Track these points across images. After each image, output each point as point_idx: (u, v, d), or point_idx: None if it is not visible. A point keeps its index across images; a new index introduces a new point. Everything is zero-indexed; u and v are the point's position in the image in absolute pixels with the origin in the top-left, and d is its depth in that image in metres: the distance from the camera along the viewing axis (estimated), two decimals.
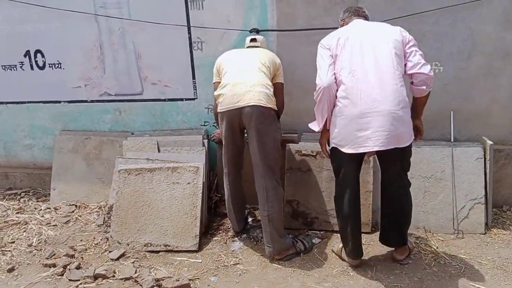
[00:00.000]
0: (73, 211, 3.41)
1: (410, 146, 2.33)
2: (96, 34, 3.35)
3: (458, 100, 3.17)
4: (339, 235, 2.59)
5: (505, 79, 3.11)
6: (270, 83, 2.63)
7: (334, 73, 2.29)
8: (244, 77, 2.59)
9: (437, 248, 2.77)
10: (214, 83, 2.79)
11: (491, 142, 3.00)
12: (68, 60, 3.46)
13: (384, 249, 2.69)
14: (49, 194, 3.66)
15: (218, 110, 2.65)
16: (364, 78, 2.21)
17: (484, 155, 3.04)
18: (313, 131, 3.33)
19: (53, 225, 3.20)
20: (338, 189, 2.44)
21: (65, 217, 3.31)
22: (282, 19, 3.16)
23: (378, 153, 2.33)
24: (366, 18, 2.48)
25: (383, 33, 2.30)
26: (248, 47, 2.89)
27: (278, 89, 2.76)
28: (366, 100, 2.19)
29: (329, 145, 2.47)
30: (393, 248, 2.63)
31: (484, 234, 2.95)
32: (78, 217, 3.32)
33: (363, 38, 2.28)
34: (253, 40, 2.89)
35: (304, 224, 3.04)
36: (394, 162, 2.38)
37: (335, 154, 2.38)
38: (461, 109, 3.19)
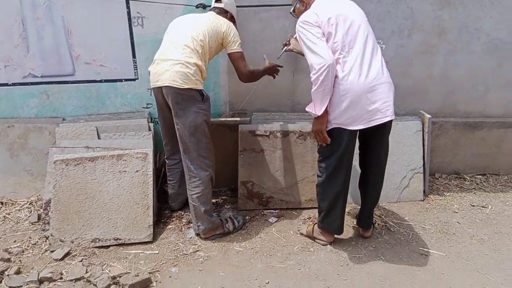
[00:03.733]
0: None
1: None
2: (17, 8, 2.88)
3: (398, 76, 3.31)
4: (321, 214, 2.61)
5: (440, 56, 3.32)
6: (195, 61, 2.47)
7: None
8: (167, 53, 2.52)
9: (384, 217, 2.93)
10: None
11: (429, 116, 3.21)
12: None
13: None
14: None
15: None
16: (362, 54, 2.23)
17: (423, 127, 3.25)
18: (263, 111, 3.36)
19: None
20: (332, 170, 2.38)
21: None
22: None
23: (366, 129, 2.29)
24: None
25: (358, 10, 2.37)
26: (212, 8, 2.76)
27: (232, 59, 2.68)
28: (371, 75, 2.22)
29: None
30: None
31: (422, 201, 3.19)
32: (7, 215, 2.94)
33: (348, 16, 2.26)
34: (218, 0, 2.74)
35: (259, 204, 3.02)
36: (382, 137, 2.42)
37: (336, 135, 2.31)
38: (401, 84, 3.34)
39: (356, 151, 2.49)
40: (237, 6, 2.88)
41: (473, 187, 3.41)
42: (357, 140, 2.45)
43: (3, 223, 2.87)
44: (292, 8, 2.55)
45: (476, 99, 3.47)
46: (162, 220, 2.88)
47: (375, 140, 2.43)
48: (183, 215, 2.93)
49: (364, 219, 2.63)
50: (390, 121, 2.34)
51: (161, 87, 2.50)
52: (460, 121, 3.47)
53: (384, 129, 2.37)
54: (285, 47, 2.92)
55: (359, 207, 2.68)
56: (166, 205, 3.02)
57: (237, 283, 2.26)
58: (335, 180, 2.41)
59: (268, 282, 2.26)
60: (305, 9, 2.42)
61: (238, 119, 3.21)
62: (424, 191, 3.24)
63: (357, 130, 2.30)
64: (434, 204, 3.15)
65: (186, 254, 2.50)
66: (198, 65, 2.49)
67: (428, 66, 3.33)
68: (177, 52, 2.48)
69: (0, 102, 3.13)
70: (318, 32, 2.22)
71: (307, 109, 2.37)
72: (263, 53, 3.01)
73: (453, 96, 3.45)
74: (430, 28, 3.23)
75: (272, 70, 2.88)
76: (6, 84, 3.09)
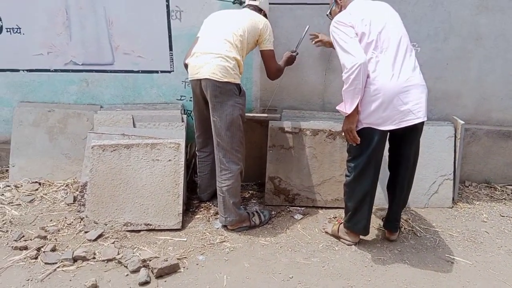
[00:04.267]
0: (37, 189, 3.16)
1: None
2: None
3: (432, 80, 3.29)
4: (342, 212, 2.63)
5: (475, 61, 3.26)
6: (234, 55, 2.53)
7: None
8: (207, 47, 2.56)
9: (412, 221, 2.92)
10: (197, 37, 2.75)
11: (462, 122, 3.16)
12: (29, 25, 3.11)
13: None
14: (7, 171, 3.36)
15: None
16: (395, 55, 2.25)
17: (455, 133, 3.20)
18: (293, 108, 3.39)
19: (17, 205, 2.95)
20: (361, 169, 2.39)
21: (28, 195, 3.06)
22: None
23: (397, 131, 2.30)
24: None
25: (392, 12, 2.39)
26: (246, 5, 2.81)
27: (265, 57, 2.74)
28: (403, 76, 2.23)
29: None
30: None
31: (451, 208, 3.15)
32: (44, 196, 3.08)
33: (382, 17, 2.30)
34: None
35: (285, 201, 3.06)
36: (413, 139, 2.42)
37: (366, 135, 2.33)
38: (434, 88, 3.32)
39: (386, 153, 2.50)
40: (272, 3, 2.92)
41: (503, 197, 3.34)
42: (387, 142, 2.46)
43: (40, 202, 3.01)
44: (329, 10, 2.59)
45: (510, 107, 3.40)
46: (191, 210, 2.96)
47: (405, 142, 2.42)
48: (211, 206, 3.00)
49: (391, 222, 2.63)
50: (422, 123, 2.34)
51: (200, 80, 2.56)
52: (493, 129, 3.40)
53: (415, 131, 2.37)
54: (303, 36, 2.98)
55: (387, 209, 2.68)
56: (195, 195, 3.10)
57: (261, 276, 2.30)
58: (363, 180, 2.42)
59: (292, 277, 2.30)
60: (340, 11, 2.46)
61: (268, 115, 3.24)
62: (453, 198, 3.20)
63: (387, 130, 2.30)
64: (462, 212, 3.11)
65: (213, 244, 2.57)
66: (237, 60, 2.55)
67: (462, 72, 3.28)
68: (218, 46, 2.53)
69: (41, 87, 3.28)
70: (351, 32, 2.25)
71: (337, 108, 2.40)
72: (290, 50, 3.04)
73: (487, 104, 3.39)
74: (466, 33, 3.18)
75: (290, 60, 2.96)
76: (48, 70, 3.24)
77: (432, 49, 3.23)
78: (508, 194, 3.38)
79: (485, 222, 2.97)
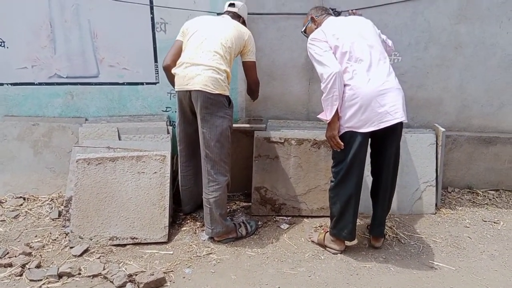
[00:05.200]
0: (21, 204, 3.13)
1: None
2: (46, 10, 3.01)
3: (413, 88, 3.36)
4: (332, 220, 2.68)
5: (456, 69, 3.34)
6: (224, 67, 2.58)
7: None
8: (197, 58, 2.57)
9: (396, 228, 2.96)
10: (176, 39, 2.76)
11: (443, 129, 3.23)
12: (13, 38, 3.08)
13: None
14: None
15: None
16: (369, 62, 2.40)
17: (436, 141, 3.27)
18: (278, 118, 3.43)
19: (1, 221, 2.91)
20: (344, 173, 2.47)
21: (13, 211, 3.03)
22: (250, 2, 3.08)
23: (377, 133, 2.41)
24: (335, 16, 2.75)
25: (363, 24, 2.56)
26: (225, 12, 2.84)
27: (247, 68, 2.79)
28: (379, 80, 2.37)
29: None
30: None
31: (434, 214, 3.20)
32: (28, 211, 3.06)
33: (354, 30, 2.48)
34: (231, 5, 2.83)
35: (272, 211, 3.08)
36: (392, 141, 2.50)
37: (348, 138, 2.43)
38: (416, 97, 3.39)
39: (368, 160, 2.57)
40: (256, 14, 2.97)
41: (485, 202, 3.41)
42: (369, 147, 2.54)
43: (25, 218, 2.98)
44: (304, 27, 2.76)
45: (490, 114, 3.48)
46: (177, 222, 2.96)
47: (386, 143, 2.50)
48: (197, 217, 3.01)
49: (377, 227, 2.66)
50: (401, 124, 2.46)
51: (189, 91, 2.57)
52: (474, 136, 3.48)
53: (394, 131, 2.46)
54: None
55: (371, 216, 2.71)
56: (181, 207, 3.10)
57: (248, 287, 2.32)
58: (347, 183, 2.48)
59: (279, 287, 2.31)
60: (317, 27, 2.62)
61: (254, 125, 3.27)
62: (436, 205, 3.26)
63: (368, 132, 2.40)
64: (445, 217, 3.17)
65: (199, 256, 2.57)
66: (227, 72, 2.59)
67: (443, 80, 3.36)
68: (208, 58, 2.55)
69: (26, 101, 3.26)
70: (325, 46, 2.43)
71: (319, 116, 2.53)
72: (275, 60, 3.10)
73: (468, 111, 3.47)
74: (446, 42, 3.26)
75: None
76: (33, 84, 3.21)
77: (413, 58, 3.30)
78: (490, 199, 3.45)
79: (468, 227, 3.03)
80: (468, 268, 2.54)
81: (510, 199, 3.47)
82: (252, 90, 2.93)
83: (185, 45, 2.68)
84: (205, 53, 2.56)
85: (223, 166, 2.65)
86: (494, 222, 3.09)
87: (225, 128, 2.61)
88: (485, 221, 3.12)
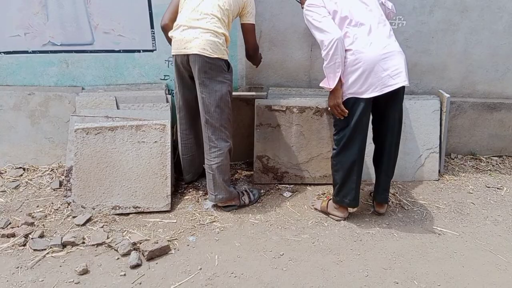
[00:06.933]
0: (21, 175, 3.09)
1: None
2: None
3: (417, 54, 3.27)
4: (331, 187, 2.65)
5: (461, 34, 3.24)
6: (222, 31, 2.50)
7: None
8: (194, 21, 2.48)
9: (399, 195, 2.96)
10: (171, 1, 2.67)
11: (448, 95, 3.17)
12: (3, 5, 2.95)
13: None
14: None
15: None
16: (369, 26, 2.34)
17: (441, 107, 3.22)
18: (279, 86, 3.36)
19: (1, 191, 2.89)
20: (347, 139, 2.43)
21: (13, 181, 3.00)
22: None
23: (379, 99, 2.37)
24: None
25: None
26: None
27: (245, 31, 2.69)
28: (380, 43, 2.32)
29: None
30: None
31: (437, 180, 3.20)
32: (29, 181, 3.02)
33: None
34: None
35: (274, 179, 3.06)
36: (395, 105, 2.45)
37: (351, 105, 2.38)
38: (420, 62, 3.31)
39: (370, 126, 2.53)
40: None
41: (488, 168, 3.40)
42: (370, 114, 2.50)
43: (25, 188, 2.95)
44: None
45: (495, 79, 3.41)
46: (179, 191, 2.94)
47: (389, 108, 2.46)
48: (199, 186, 2.99)
49: (381, 193, 2.64)
50: (403, 88, 2.41)
51: (187, 55, 2.49)
52: (479, 102, 3.43)
53: (397, 95, 2.42)
54: None
55: (374, 183, 2.70)
56: (182, 176, 3.07)
57: (252, 254, 2.32)
58: (351, 149, 2.46)
59: (283, 254, 2.32)
60: None
61: (254, 93, 3.21)
62: (439, 171, 3.25)
63: (371, 98, 2.35)
64: (449, 184, 3.16)
65: (203, 224, 2.57)
66: (225, 35, 2.51)
67: (448, 45, 3.27)
68: (205, 21, 2.46)
69: (20, 70, 3.16)
70: (324, 11, 2.33)
71: (321, 84, 2.46)
72: (275, 26, 2.99)
73: (473, 76, 3.40)
74: (452, 5, 3.15)
75: (259, 58, 2.98)
76: (26, 52, 3.11)
77: (417, 22, 3.20)
78: (493, 165, 3.44)
79: (471, 193, 3.03)
80: (471, 233, 2.54)
81: None
82: (250, 55, 2.83)
83: (182, 5, 2.58)
84: (202, 16, 2.48)
85: (224, 132, 2.61)
86: (498, 188, 3.09)
87: (225, 93, 2.55)
88: (488, 187, 3.11)
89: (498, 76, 3.40)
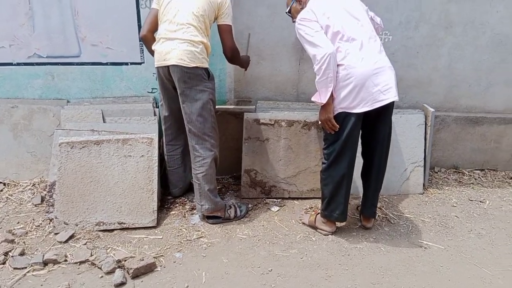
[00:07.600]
0: (1, 190, 3.02)
1: None
2: None
3: (403, 68, 3.34)
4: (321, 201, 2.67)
5: (445, 49, 3.32)
6: (200, 39, 2.49)
7: None
8: (172, 31, 2.50)
9: (385, 209, 2.98)
10: (152, 7, 2.64)
11: (432, 109, 3.23)
12: None
13: None
14: None
15: None
16: (361, 41, 2.35)
17: (425, 121, 3.27)
18: (267, 99, 3.37)
19: None
20: (337, 154, 2.44)
21: None
22: None
23: (370, 114, 2.38)
24: None
25: (352, 1, 2.48)
26: None
27: (221, 32, 2.63)
28: (372, 58, 2.33)
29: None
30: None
31: (422, 194, 3.23)
32: (9, 197, 2.95)
33: (343, 8, 2.40)
34: None
35: (262, 193, 3.05)
36: (386, 120, 2.48)
37: (342, 119, 2.39)
38: (406, 76, 3.37)
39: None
40: None
41: (471, 181, 3.46)
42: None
43: (6, 204, 2.87)
44: (288, 8, 2.62)
45: (478, 94, 3.50)
46: (166, 206, 2.90)
47: (379, 123, 2.48)
48: (186, 201, 2.96)
49: (368, 208, 2.65)
50: (393, 103, 2.44)
51: (167, 66, 2.50)
52: (462, 116, 3.50)
53: (387, 110, 2.45)
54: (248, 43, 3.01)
55: (361, 197, 2.71)
56: (169, 190, 3.04)
57: (240, 270, 2.29)
58: (340, 164, 2.46)
59: (271, 270, 2.30)
60: (302, 8, 2.51)
61: (243, 107, 3.21)
62: (424, 184, 3.29)
63: (362, 113, 2.37)
64: (433, 197, 3.20)
65: (189, 240, 2.53)
66: (204, 43, 2.51)
67: (433, 59, 3.34)
68: (182, 31, 2.48)
69: (4, 82, 3.10)
70: (316, 26, 2.34)
71: (313, 99, 2.46)
72: (264, 39, 3.01)
73: (456, 90, 3.47)
74: (437, 21, 3.23)
75: (246, 61, 2.95)
76: (11, 64, 3.06)
77: (403, 37, 3.27)
78: (475, 179, 3.50)
79: (455, 206, 3.06)
80: (456, 247, 2.57)
81: (495, 178, 3.53)
82: (229, 57, 2.73)
83: (161, 17, 2.59)
84: (179, 27, 2.49)
85: (208, 140, 2.61)
86: (480, 201, 3.14)
87: (206, 101, 2.55)
88: (471, 200, 3.16)
89: (480, 91, 3.49)
